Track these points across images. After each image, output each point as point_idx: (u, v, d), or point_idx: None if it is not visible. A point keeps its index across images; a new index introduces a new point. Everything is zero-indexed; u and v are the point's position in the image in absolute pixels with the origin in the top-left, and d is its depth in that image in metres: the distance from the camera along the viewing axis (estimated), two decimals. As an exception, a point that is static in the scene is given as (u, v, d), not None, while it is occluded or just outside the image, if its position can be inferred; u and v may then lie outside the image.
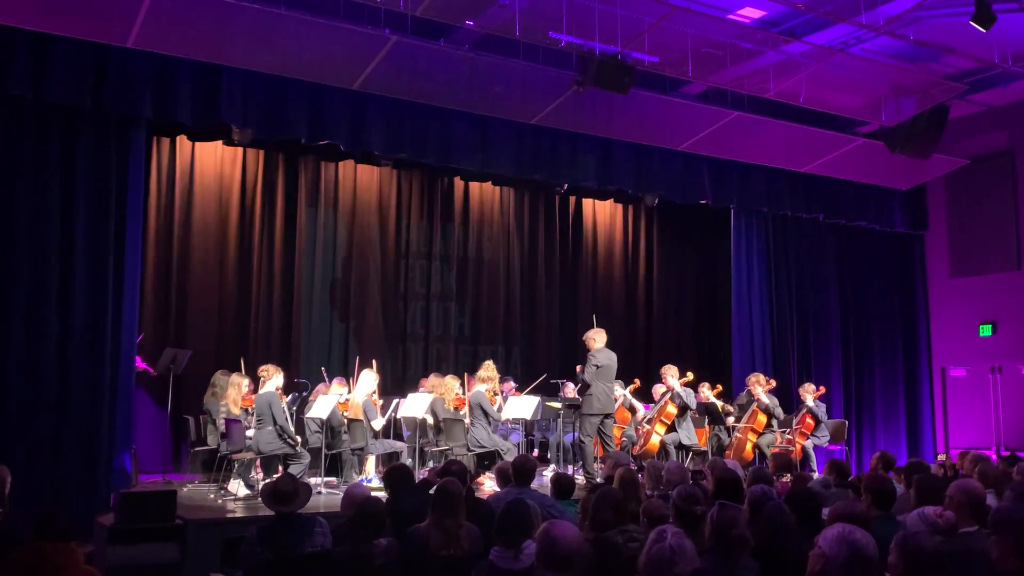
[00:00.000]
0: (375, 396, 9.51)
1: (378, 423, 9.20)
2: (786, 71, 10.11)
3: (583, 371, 9.43)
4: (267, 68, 8.92)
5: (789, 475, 7.59)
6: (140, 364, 9.41)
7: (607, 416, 9.40)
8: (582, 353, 9.60)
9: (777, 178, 12.46)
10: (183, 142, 10.86)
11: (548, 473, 9.49)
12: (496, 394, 10.08)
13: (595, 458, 9.40)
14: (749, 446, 10.57)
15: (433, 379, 10.23)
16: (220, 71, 8.83)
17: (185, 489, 8.84)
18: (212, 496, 8.50)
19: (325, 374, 10.08)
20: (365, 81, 9.21)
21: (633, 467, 6.62)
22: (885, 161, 11.88)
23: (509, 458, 7.78)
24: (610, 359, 9.39)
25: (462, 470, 5.80)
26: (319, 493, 8.41)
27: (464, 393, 10.00)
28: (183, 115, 8.80)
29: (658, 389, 10.81)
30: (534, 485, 6.28)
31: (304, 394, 9.85)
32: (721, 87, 10.41)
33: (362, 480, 8.71)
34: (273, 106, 9.19)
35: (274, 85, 9.13)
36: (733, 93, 10.54)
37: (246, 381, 9.15)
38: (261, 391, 8.63)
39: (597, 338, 9.46)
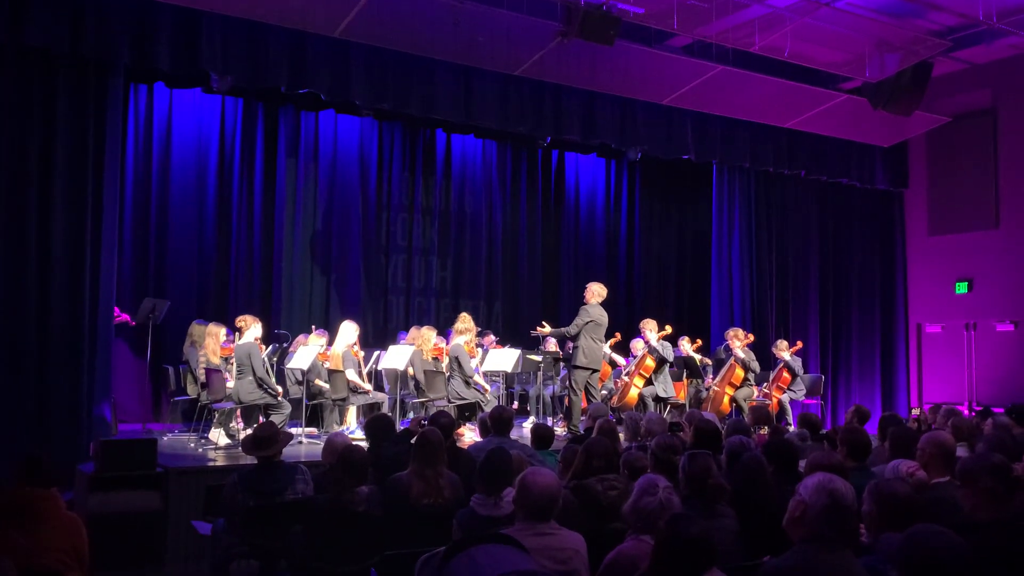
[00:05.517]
0: (356, 347, 9.51)
1: (351, 374, 9.20)
2: (771, 25, 10.06)
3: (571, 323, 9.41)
4: (247, 13, 8.76)
5: (766, 427, 7.72)
6: (120, 315, 9.36)
7: (594, 371, 9.44)
8: (564, 307, 9.58)
9: (760, 133, 12.44)
10: (161, 89, 10.69)
11: (528, 425, 9.59)
12: (476, 346, 10.10)
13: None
14: (726, 399, 10.70)
15: (413, 331, 10.24)
16: (199, 16, 8.65)
17: (166, 438, 8.85)
18: (193, 445, 8.53)
19: (314, 329, 10.03)
20: (347, 28, 9.07)
21: (612, 419, 6.71)
22: (867, 118, 11.88)
23: (489, 409, 7.83)
24: (602, 316, 9.35)
25: (451, 423, 5.84)
26: (300, 443, 8.46)
27: (444, 344, 10.01)
28: (161, 61, 8.63)
29: (637, 345, 10.87)
30: (514, 435, 6.35)
31: (285, 344, 9.84)
32: (706, 41, 10.32)
33: (343, 430, 8.75)
34: (253, 53, 9.00)
35: (254, 31, 8.96)
36: (718, 47, 10.45)
37: (223, 331, 9.12)
38: (240, 341, 8.62)
39: (597, 291, 9.42)
